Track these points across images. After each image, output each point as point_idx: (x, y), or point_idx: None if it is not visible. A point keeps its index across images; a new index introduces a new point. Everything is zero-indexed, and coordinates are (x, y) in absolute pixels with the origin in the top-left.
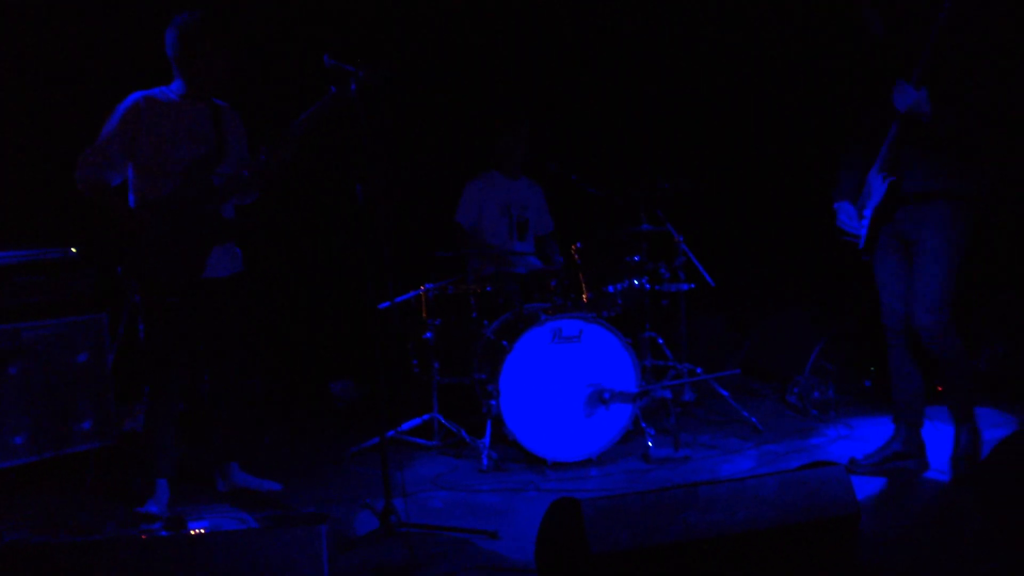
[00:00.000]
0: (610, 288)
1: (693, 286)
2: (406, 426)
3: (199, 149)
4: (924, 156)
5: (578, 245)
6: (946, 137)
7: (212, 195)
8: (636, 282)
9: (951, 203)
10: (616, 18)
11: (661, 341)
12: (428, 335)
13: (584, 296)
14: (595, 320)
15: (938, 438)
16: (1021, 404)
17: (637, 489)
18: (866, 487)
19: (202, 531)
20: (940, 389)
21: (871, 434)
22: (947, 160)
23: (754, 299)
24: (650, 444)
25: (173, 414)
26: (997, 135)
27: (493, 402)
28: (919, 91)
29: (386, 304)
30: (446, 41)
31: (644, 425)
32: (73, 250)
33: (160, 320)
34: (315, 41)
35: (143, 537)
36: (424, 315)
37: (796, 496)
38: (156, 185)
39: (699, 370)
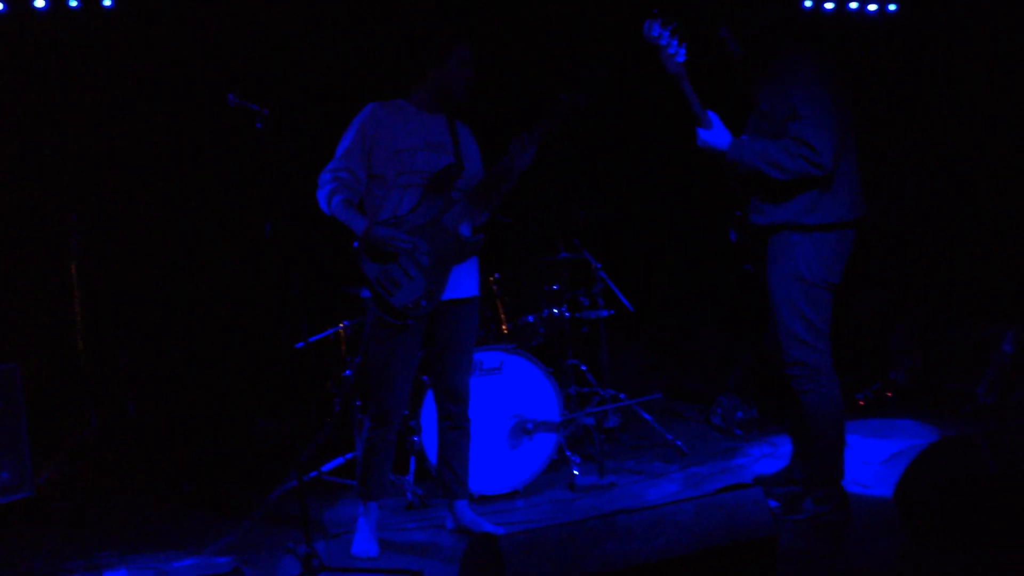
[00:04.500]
0: (530, 318)
1: (613, 312)
2: (328, 466)
3: (439, 161)
4: (762, 187)
5: (496, 276)
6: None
7: (449, 209)
8: (556, 310)
9: (800, 233)
10: (529, 44)
11: (584, 368)
12: (348, 372)
13: (504, 327)
14: (515, 351)
15: (851, 451)
16: (940, 416)
17: (564, 519)
18: None
19: None
20: (861, 404)
21: None
22: (792, 190)
23: (674, 322)
24: (576, 472)
25: (391, 439)
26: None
27: (416, 438)
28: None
29: (301, 344)
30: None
31: (569, 454)
32: None
33: (388, 342)
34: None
35: None
36: (343, 352)
37: (714, 520)
38: (394, 199)
39: (622, 396)
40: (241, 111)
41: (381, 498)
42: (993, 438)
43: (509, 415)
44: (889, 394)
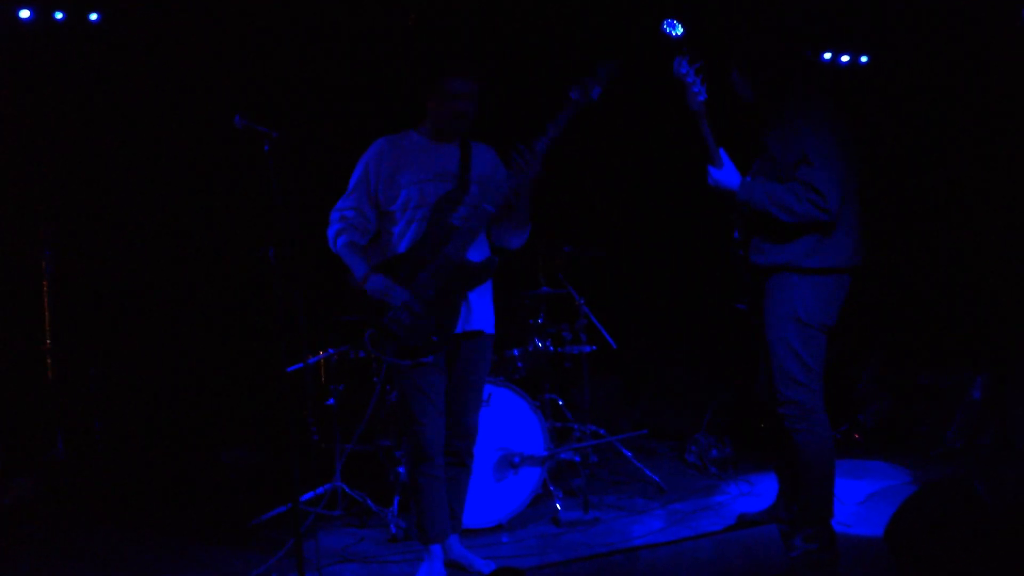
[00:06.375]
0: (514, 351)
1: (595, 348)
2: (307, 496)
3: (441, 188)
4: (766, 227)
5: None
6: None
7: (451, 237)
8: (540, 344)
9: (799, 276)
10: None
11: (561, 403)
12: (331, 401)
13: None
14: (503, 384)
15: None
16: (910, 457)
17: (551, 554)
18: None
19: None
20: (857, 436)
21: (771, 489)
22: (794, 232)
23: (652, 359)
24: (559, 507)
25: (437, 474)
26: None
27: (400, 469)
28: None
29: (296, 367)
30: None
31: (552, 488)
32: None
33: (411, 377)
34: None
35: None
36: (324, 380)
37: (733, 556)
38: (401, 234)
39: (602, 431)
40: (247, 132)
41: (445, 539)
42: (987, 479)
43: (495, 448)
44: (857, 436)
